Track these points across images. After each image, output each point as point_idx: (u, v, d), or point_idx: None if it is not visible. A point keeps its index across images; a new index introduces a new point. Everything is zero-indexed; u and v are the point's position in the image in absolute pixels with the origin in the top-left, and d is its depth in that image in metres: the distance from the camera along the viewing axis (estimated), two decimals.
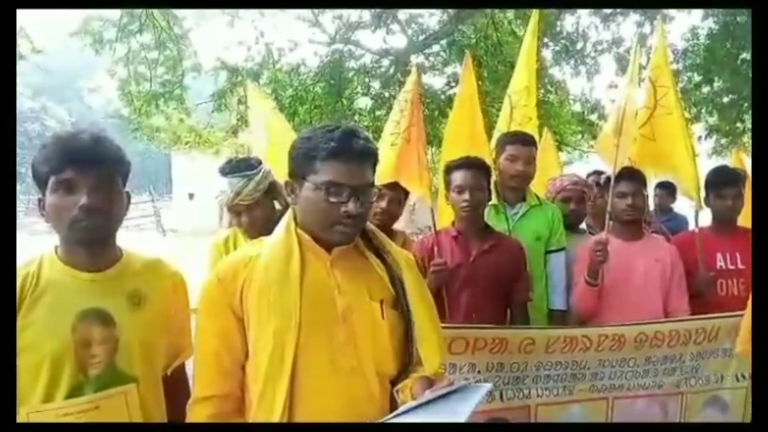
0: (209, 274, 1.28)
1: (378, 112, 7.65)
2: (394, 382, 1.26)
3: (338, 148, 1.18)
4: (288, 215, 1.28)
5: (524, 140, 2.52)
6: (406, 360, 1.27)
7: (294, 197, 1.25)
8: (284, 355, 1.16)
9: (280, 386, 1.15)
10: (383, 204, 2.40)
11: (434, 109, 7.45)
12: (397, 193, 2.46)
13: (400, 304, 1.27)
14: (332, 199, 1.17)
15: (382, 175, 2.40)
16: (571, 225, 2.67)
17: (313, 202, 1.20)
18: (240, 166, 2.01)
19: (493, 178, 2.41)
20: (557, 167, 3.68)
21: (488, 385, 1.11)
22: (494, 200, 2.46)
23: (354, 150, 1.19)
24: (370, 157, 1.22)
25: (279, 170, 2.07)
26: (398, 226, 2.62)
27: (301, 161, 1.22)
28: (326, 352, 1.19)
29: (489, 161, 2.45)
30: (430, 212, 2.41)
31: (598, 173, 2.92)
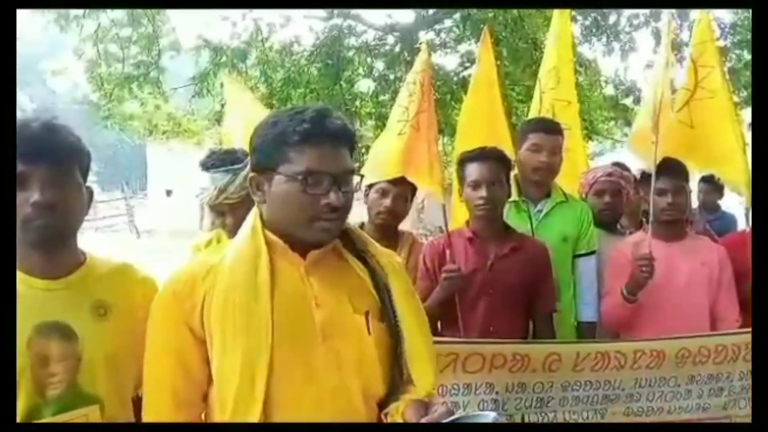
0: (161, 286, 1.27)
1: (382, 97, 7.61)
2: (381, 405, 1.25)
3: (312, 130, 1.17)
4: (252, 216, 1.27)
5: (548, 128, 2.53)
6: (396, 380, 1.25)
7: (260, 194, 1.24)
8: (255, 380, 1.14)
9: (251, 416, 1.13)
10: (387, 202, 2.40)
11: (446, 93, 7.43)
12: (404, 190, 2.46)
13: (387, 315, 1.26)
14: (311, 191, 1.16)
15: (387, 169, 2.45)
16: (605, 223, 2.67)
17: (288, 197, 1.18)
18: (224, 160, 2.00)
19: (514, 171, 2.43)
20: (584, 160, 3.67)
21: (492, 414, 1.10)
22: (515, 196, 2.46)
23: (330, 132, 1.18)
24: (348, 139, 1.22)
25: None
26: (405, 226, 2.63)
27: (268, 151, 1.20)
28: (303, 375, 1.17)
29: (509, 152, 2.47)
30: (442, 211, 2.41)
31: (621, 166, 2.90)
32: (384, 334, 1.25)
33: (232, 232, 1.97)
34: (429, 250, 2.31)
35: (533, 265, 2.23)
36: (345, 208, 1.20)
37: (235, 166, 1.99)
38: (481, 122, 2.70)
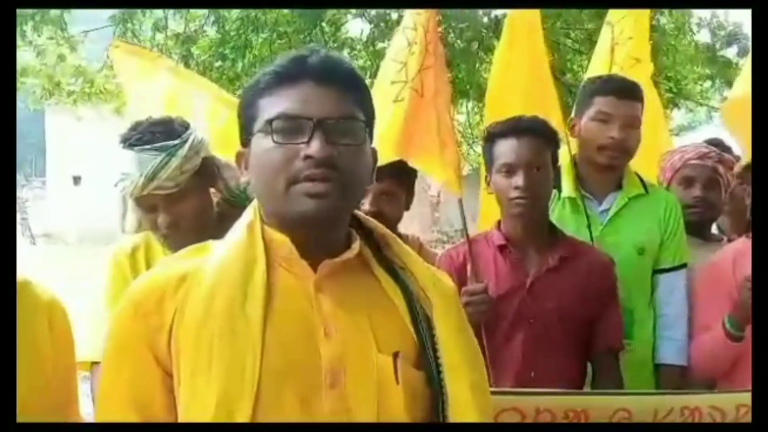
0: (119, 303, 1.30)
1: (380, 44, 7.60)
2: None
3: (288, 68, 1.26)
4: (250, 209, 1.32)
5: (623, 90, 2.53)
6: None
7: (247, 173, 1.31)
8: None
9: None
10: (366, 204, 2.39)
11: (471, 40, 7.44)
12: (394, 184, 2.49)
13: (425, 360, 1.27)
14: (285, 139, 1.22)
15: (380, 151, 2.45)
16: (695, 225, 2.66)
17: (261, 159, 1.25)
18: (156, 133, 2.03)
19: (565, 151, 2.46)
20: (665, 136, 3.65)
21: None
22: (567, 189, 2.50)
23: (313, 67, 1.25)
24: (344, 79, 1.28)
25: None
26: (413, 228, 2.66)
27: (246, 113, 1.30)
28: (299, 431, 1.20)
29: (559, 125, 2.49)
30: (459, 208, 2.44)
31: (719, 145, 2.91)
32: (419, 385, 1.25)
33: (168, 235, 2.06)
34: (444, 264, 2.31)
35: (592, 285, 2.23)
36: (333, 162, 1.22)
37: (172, 142, 2.01)
38: (519, 81, 2.72)
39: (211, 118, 2.97)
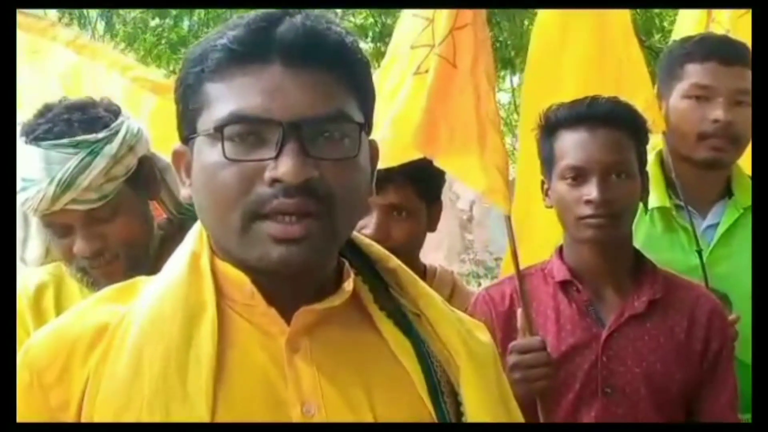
0: (16, 365, 1.28)
1: None
2: None
3: (247, 43, 1.18)
4: (195, 234, 1.30)
5: (728, 52, 2.51)
6: None
7: (189, 182, 1.27)
8: None
9: None
10: (371, 226, 2.35)
11: None
12: (415, 192, 2.41)
13: None
14: (238, 154, 1.16)
15: (388, 147, 2.31)
16: None
17: (207, 178, 1.20)
18: (73, 122, 2.01)
19: (654, 145, 2.43)
20: None
21: None
22: (656, 197, 2.47)
23: (284, 41, 1.17)
24: (330, 55, 1.20)
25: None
26: (438, 256, 2.61)
27: (187, 98, 1.23)
28: None
29: (645, 109, 2.41)
30: (507, 228, 2.43)
31: None
32: None
33: (89, 268, 2.05)
34: (482, 308, 2.29)
35: (695, 338, 2.19)
36: (330, 192, 1.17)
37: (95, 135, 1.99)
38: (582, 41, 2.65)
39: (134, 106, 2.95)
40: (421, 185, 2.42)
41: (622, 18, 2.67)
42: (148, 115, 2.90)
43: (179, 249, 1.29)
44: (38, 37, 3.35)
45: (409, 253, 2.36)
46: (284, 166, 1.13)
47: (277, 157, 1.14)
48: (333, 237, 1.20)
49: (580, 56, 2.64)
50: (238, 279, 1.22)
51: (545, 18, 2.81)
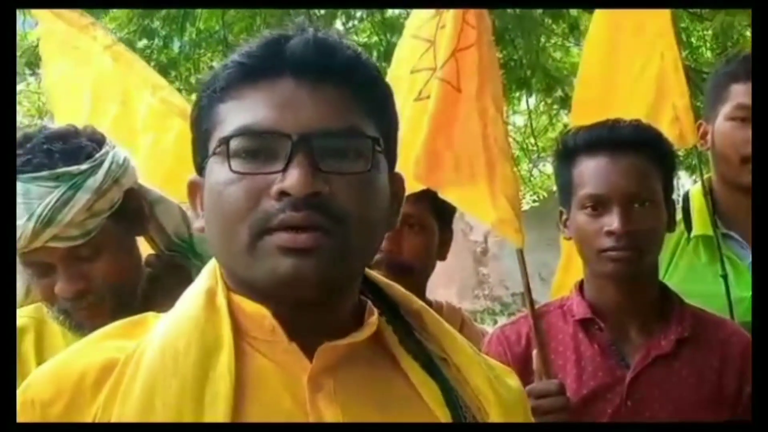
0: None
1: (388, 13, 7.70)
2: None
3: (258, 58, 1.22)
4: (210, 270, 1.31)
5: None
6: None
7: (202, 213, 1.29)
8: None
9: None
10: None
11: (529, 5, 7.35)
12: (427, 206, 2.42)
13: None
14: (245, 167, 1.18)
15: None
16: None
17: (215, 198, 1.22)
18: (54, 152, 1.98)
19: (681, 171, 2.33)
20: None
21: None
22: (700, 224, 2.49)
23: (295, 55, 1.20)
24: (344, 69, 1.22)
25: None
26: (449, 292, 2.52)
27: (200, 124, 1.27)
28: None
29: (674, 118, 2.44)
30: (519, 262, 2.38)
31: None
32: None
33: (72, 310, 2.02)
34: (496, 348, 2.26)
35: (729, 382, 2.14)
36: (340, 209, 1.18)
37: (78, 167, 1.96)
38: (630, 63, 2.58)
39: (159, 130, 3.01)
40: (437, 202, 2.44)
41: (669, 34, 2.68)
42: (173, 139, 2.94)
43: (192, 286, 1.30)
44: (80, 33, 3.38)
45: (419, 274, 2.44)
46: (291, 178, 1.15)
47: (284, 170, 1.16)
48: (347, 255, 1.20)
49: (607, 83, 2.68)
50: (257, 313, 1.24)
51: (595, 31, 2.86)
